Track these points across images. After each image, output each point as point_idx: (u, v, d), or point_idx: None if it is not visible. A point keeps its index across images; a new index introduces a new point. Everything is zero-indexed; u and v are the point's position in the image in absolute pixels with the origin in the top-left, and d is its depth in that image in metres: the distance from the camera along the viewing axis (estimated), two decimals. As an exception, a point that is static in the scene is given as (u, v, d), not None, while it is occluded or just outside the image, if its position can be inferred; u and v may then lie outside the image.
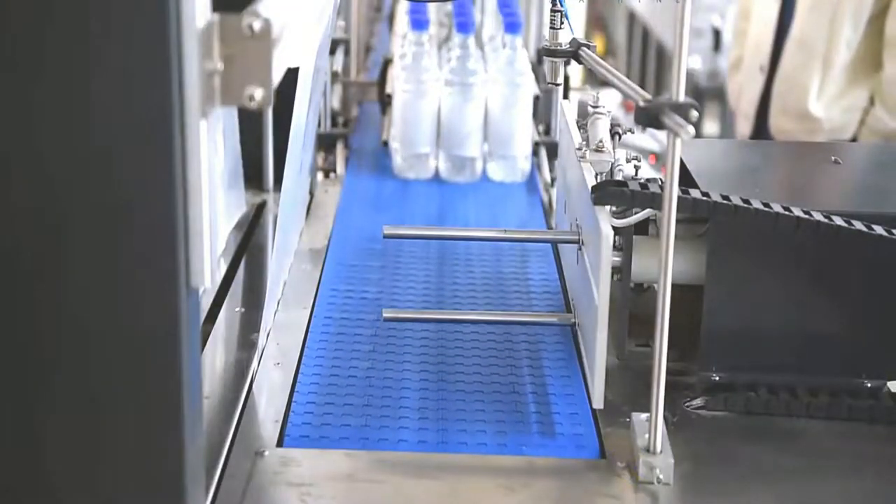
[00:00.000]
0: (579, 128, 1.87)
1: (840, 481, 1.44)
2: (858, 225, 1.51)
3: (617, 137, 1.82)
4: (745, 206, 1.51)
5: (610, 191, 1.56)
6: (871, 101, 3.29)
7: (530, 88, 2.47)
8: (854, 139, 3.30)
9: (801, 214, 1.51)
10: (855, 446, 1.51)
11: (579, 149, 1.76)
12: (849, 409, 1.56)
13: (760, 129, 3.53)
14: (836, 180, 1.76)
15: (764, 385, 1.58)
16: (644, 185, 1.57)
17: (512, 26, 2.46)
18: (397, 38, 2.89)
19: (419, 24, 2.49)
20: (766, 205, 1.52)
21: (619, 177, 1.69)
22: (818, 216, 1.51)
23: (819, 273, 1.58)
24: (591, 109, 1.88)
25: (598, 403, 1.51)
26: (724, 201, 1.52)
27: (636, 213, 1.64)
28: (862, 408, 1.56)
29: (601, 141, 1.75)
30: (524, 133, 2.49)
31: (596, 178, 1.68)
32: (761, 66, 3.47)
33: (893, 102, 3.22)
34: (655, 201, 1.56)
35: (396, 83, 2.49)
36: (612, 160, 1.74)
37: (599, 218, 1.51)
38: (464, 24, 2.48)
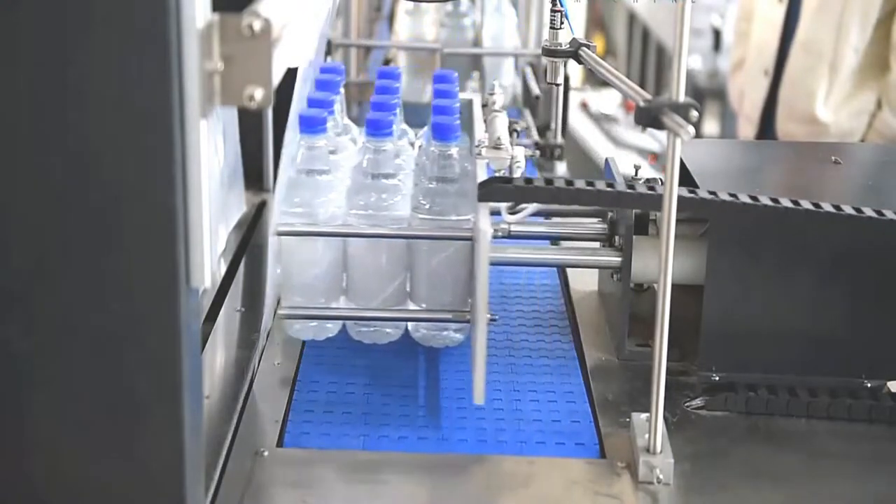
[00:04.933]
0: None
1: (840, 481, 1.44)
2: (848, 210, 1.50)
3: (515, 134, 1.82)
4: (734, 200, 1.51)
5: (494, 187, 1.55)
6: (879, 105, 3.26)
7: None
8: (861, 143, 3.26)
9: (790, 205, 1.51)
10: (855, 446, 1.51)
11: (477, 146, 1.73)
12: (849, 409, 1.56)
13: (765, 132, 3.51)
14: (837, 180, 1.76)
15: (764, 385, 1.58)
16: (529, 181, 1.57)
17: (442, 131, 1.68)
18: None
19: (310, 125, 1.66)
20: (753, 198, 1.52)
21: (517, 173, 1.68)
22: (806, 205, 1.51)
23: (819, 273, 1.58)
24: (490, 106, 1.86)
25: (479, 399, 1.46)
26: (691, 195, 1.52)
27: (525, 208, 1.63)
28: (862, 408, 1.56)
29: (499, 138, 1.73)
30: (460, 284, 1.70)
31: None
32: (765, 69, 3.46)
33: None
34: (539, 195, 1.56)
35: (273, 214, 1.66)
36: (510, 157, 1.71)
37: (480, 215, 1.50)
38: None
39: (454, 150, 1.70)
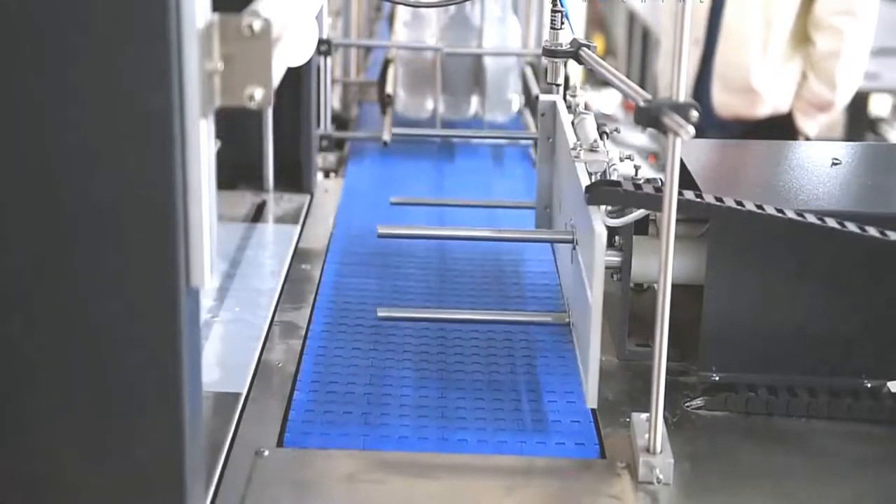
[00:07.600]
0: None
1: (840, 481, 1.44)
2: (851, 227, 1.50)
3: (605, 136, 1.82)
4: (739, 207, 1.51)
5: (604, 191, 1.55)
6: (805, 74, 3.62)
7: None
8: (790, 111, 3.67)
9: (794, 216, 1.50)
10: (855, 446, 1.51)
11: (574, 148, 1.75)
12: (849, 409, 1.56)
13: (699, 101, 3.71)
14: (837, 180, 1.76)
15: (764, 385, 1.58)
16: (638, 186, 1.57)
17: None
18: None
19: None
20: (759, 207, 1.52)
21: (613, 176, 1.69)
22: (811, 218, 1.50)
23: (819, 273, 1.58)
24: (577, 110, 1.87)
25: (591, 403, 1.49)
26: (718, 203, 1.52)
27: (631, 212, 1.63)
28: (862, 408, 1.56)
29: (595, 141, 1.74)
30: None
31: (591, 178, 1.67)
32: (695, 38, 3.67)
33: (826, 76, 3.57)
34: (650, 202, 1.55)
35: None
36: (607, 160, 1.73)
37: (593, 218, 1.50)
38: None
39: None
